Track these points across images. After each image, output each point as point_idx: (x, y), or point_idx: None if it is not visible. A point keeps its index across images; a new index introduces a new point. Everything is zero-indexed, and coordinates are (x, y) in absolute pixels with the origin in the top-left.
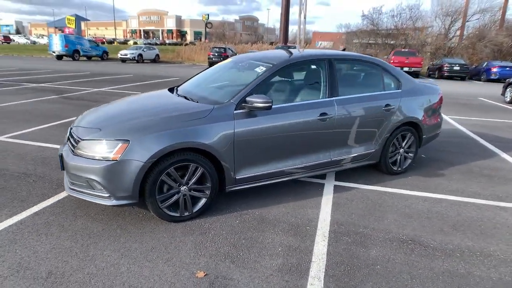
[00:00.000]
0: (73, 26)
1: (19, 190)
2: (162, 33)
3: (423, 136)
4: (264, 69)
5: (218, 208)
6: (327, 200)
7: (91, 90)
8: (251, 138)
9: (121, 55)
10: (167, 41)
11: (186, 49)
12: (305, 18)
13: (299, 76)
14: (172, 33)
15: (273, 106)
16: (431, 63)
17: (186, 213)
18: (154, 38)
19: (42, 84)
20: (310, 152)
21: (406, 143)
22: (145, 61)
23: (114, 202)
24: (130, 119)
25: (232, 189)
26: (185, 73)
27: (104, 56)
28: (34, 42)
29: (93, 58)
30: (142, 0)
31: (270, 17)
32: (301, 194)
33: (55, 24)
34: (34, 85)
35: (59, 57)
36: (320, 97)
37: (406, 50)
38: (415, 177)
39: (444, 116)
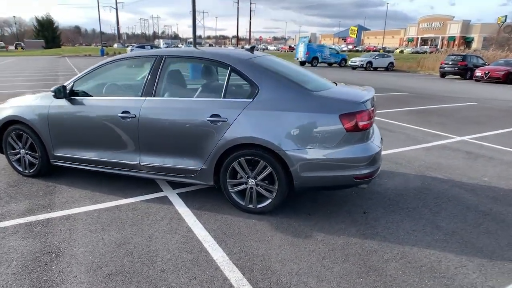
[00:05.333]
0: (354, 36)
1: None
2: (442, 40)
3: (296, 173)
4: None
5: (59, 176)
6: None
7: None
8: (60, 122)
9: (351, 62)
10: (442, 49)
11: (431, 57)
12: None
13: (137, 72)
14: (454, 40)
15: (86, 98)
16: None
17: (26, 171)
18: (430, 46)
19: None
20: (119, 149)
21: (257, 173)
22: (378, 69)
23: None
24: None
25: (55, 163)
26: (394, 84)
27: (342, 63)
28: None
29: (333, 65)
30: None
31: None
32: (120, 191)
33: (339, 35)
34: None
35: (302, 63)
36: (134, 95)
37: None
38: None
39: None
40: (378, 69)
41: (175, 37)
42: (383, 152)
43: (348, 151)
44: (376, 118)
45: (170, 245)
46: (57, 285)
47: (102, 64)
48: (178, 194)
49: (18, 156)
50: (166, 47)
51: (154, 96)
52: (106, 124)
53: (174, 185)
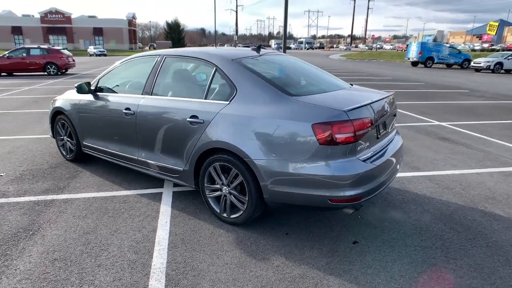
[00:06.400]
0: (493, 33)
1: None
2: None
3: (265, 185)
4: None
5: (90, 163)
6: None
7: None
8: (86, 115)
9: (474, 63)
10: None
11: None
12: None
13: (145, 71)
14: None
15: (105, 94)
16: None
17: (67, 156)
18: None
19: None
20: (124, 143)
21: (231, 181)
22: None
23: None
24: None
25: (84, 151)
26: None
27: (464, 64)
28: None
29: (453, 66)
30: None
31: None
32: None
33: (473, 32)
34: None
35: (414, 64)
36: (138, 93)
37: None
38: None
39: None
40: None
41: (289, 37)
42: (434, 172)
43: (322, 168)
44: (460, 129)
45: (126, 242)
46: (11, 260)
47: (122, 62)
48: (174, 192)
49: (62, 142)
50: (276, 48)
51: (151, 95)
52: (114, 119)
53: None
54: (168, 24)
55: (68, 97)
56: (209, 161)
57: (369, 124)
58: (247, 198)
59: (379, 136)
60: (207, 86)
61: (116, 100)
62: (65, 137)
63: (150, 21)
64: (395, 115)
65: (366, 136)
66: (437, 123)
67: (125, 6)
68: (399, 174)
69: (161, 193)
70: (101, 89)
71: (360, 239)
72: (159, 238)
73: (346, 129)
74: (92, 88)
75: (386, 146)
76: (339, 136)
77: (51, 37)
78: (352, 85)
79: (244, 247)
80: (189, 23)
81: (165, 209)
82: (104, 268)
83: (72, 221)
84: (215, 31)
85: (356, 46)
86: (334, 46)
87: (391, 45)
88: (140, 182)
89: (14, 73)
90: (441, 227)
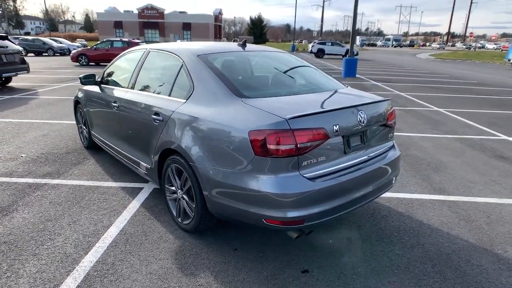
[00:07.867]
0: None
1: None
2: None
3: (207, 194)
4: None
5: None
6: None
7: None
8: (91, 105)
9: None
10: None
11: None
12: None
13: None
14: None
15: (106, 86)
16: None
17: (84, 143)
18: None
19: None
20: (113, 134)
21: (183, 185)
22: None
23: None
24: None
25: (94, 139)
26: None
27: None
28: None
29: None
30: None
31: None
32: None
33: None
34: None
35: None
36: (125, 87)
37: None
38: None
39: None
40: None
41: (379, 33)
42: (461, 198)
43: (257, 182)
44: None
45: (75, 235)
46: None
47: (119, 56)
48: (154, 188)
49: (81, 129)
50: (360, 44)
51: (133, 89)
52: (108, 111)
53: None
54: (251, 20)
55: (83, 88)
56: (167, 161)
57: (322, 136)
58: (194, 206)
59: (347, 150)
60: (172, 83)
61: (111, 93)
62: (82, 125)
63: (235, 17)
64: (387, 126)
65: (320, 150)
66: (503, 137)
67: (214, 1)
68: (410, 196)
69: (141, 188)
70: (107, 81)
71: (313, 269)
72: (107, 235)
73: (284, 140)
74: (98, 79)
75: (362, 163)
76: (275, 148)
77: (145, 31)
78: (347, 86)
79: (180, 257)
80: (276, 18)
81: (134, 205)
82: (37, 258)
83: (45, 207)
84: (295, 27)
85: (453, 45)
86: (427, 44)
87: (495, 44)
88: (132, 175)
89: (100, 63)
90: (426, 269)
